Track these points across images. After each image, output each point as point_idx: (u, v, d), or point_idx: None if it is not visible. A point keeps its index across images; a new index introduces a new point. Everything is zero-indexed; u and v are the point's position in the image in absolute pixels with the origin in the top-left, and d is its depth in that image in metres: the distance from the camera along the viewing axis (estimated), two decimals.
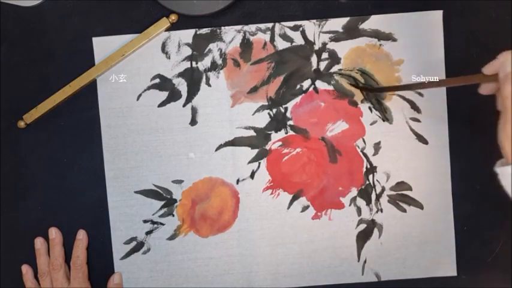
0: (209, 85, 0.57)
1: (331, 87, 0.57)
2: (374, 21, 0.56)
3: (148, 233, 0.57)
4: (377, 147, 0.57)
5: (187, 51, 0.57)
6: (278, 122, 0.57)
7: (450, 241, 0.57)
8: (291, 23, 0.57)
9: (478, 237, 0.57)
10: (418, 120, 0.57)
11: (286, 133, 0.57)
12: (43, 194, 0.57)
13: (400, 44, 0.57)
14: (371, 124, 0.57)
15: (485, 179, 0.56)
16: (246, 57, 0.57)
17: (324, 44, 0.57)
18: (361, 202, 0.57)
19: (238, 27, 0.57)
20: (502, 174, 0.42)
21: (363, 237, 0.57)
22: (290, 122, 0.57)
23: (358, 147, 0.57)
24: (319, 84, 0.57)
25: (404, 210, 0.57)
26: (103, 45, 0.56)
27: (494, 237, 0.57)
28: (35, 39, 0.57)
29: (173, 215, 0.57)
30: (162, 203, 0.57)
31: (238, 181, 0.57)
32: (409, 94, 0.57)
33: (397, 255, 0.57)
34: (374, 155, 0.57)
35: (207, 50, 0.57)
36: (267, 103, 0.57)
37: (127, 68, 0.57)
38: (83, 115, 0.57)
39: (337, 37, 0.57)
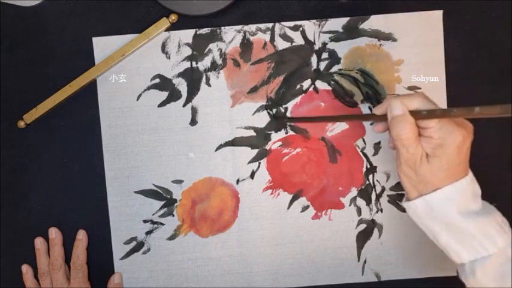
0: (209, 85, 0.57)
1: (330, 88, 0.57)
2: (374, 21, 0.56)
3: (148, 233, 0.57)
4: (377, 147, 0.57)
5: (187, 51, 0.57)
6: (279, 119, 0.57)
7: None
8: (291, 23, 0.57)
9: None
10: None
11: (286, 133, 0.57)
12: (43, 194, 0.57)
13: (400, 44, 0.57)
14: (371, 124, 0.57)
15: (484, 179, 0.56)
16: (246, 57, 0.57)
17: (324, 44, 0.57)
18: (361, 202, 0.57)
19: (238, 27, 0.57)
20: (407, 208, 0.45)
21: (363, 237, 0.57)
22: (290, 122, 0.57)
23: (358, 147, 0.57)
24: (319, 84, 0.57)
25: (404, 210, 0.57)
26: (103, 45, 0.56)
27: None
28: (35, 39, 0.57)
29: (173, 215, 0.57)
30: (162, 203, 0.57)
31: (238, 181, 0.57)
32: None
33: (397, 255, 0.57)
34: (374, 155, 0.57)
35: (207, 50, 0.57)
36: (267, 103, 0.57)
37: (127, 68, 0.57)
38: (83, 115, 0.57)
39: (337, 37, 0.57)
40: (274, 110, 0.57)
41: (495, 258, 0.41)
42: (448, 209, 0.42)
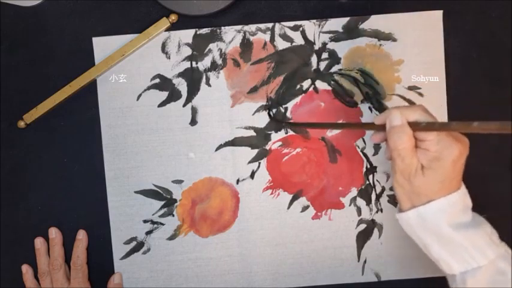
0: (209, 85, 0.57)
1: (330, 88, 0.57)
2: (374, 21, 0.56)
3: (148, 233, 0.57)
4: (377, 147, 0.57)
5: (187, 51, 0.57)
6: (278, 122, 0.57)
7: None
8: (291, 23, 0.57)
9: None
10: None
11: (286, 133, 0.57)
12: (43, 194, 0.57)
13: (400, 44, 0.57)
14: (368, 129, 0.57)
15: (484, 179, 0.56)
16: (246, 57, 0.57)
17: (324, 44, 0.57)
18: (361, 202, 0.57)
19: (238, 27, 0.57)
20: (400, 219, 0.46)
21: (363, 237, 0.57)
22: (288, 127, 0.57)
23: (358, 147, 0.57)
24: (319, 84, 0.57)
25: None
26: (103, 45, 0.56)
27: None
28: (35, 39, 0.57)
29: (173, 215, 0.57)
30: (162, 203, 0.57)
31: (238, 181, 0.57)
32: (409, 94, 0.57)
33: (397, 255, 0.57)
34: (374, 155, 0.57)
35: (207, 50, 0.57)
36: (267, 103, 0.57)
37: (127, 68, 0.57)
38: (83, 115, 0.57)
39: (337, 37, 0.57)
40: (274, 110, 0.57)
41: (485, 269, 0.42)
42: (440, 221, 0.43)
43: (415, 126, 0.42)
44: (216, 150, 0.57)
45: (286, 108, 0.57)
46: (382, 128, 0.44)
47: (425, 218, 0.43)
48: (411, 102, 0.57)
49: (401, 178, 0.43)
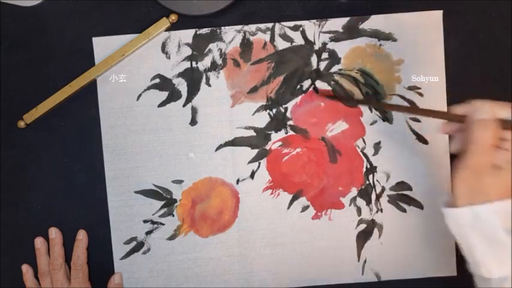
0: (209, 85, 0.57)
1: (330, 88, 0.57)
2: (374, 21, 0.56)
3: (148, 233, 0.57)
4: (377, 147, 0.57)
5: (187, 51, 0.57)
6: (278, 122, 0.57)
7: (450, 241, 0.57)
8: (291, 23, 0.57)
9: None
10: (418, 120, 0.57)
11: (286, 133, 0.57)
12: (43, 194, 0.57)
13: (400, 44, 0.57)
14: (371, 124, 0.57)
15: None
16: (246, 57, 0.57)
17: (324, 44, 0.57)
18: (361, 202, 0.57)
19: (238, 27, 0.57)
20: (449, 215, 0.44)
21: (363, 237, 0.57)
22: (290, 122, 0.57)
23: (358, 147, 0.57)
24: (319, 84, 0.57)
25: (404, 210, 0.57)
26: (103, 45, 0.56)
27: None
28: (35, 39, 0.57)
29: (173, 215, 0.57)
30: (162, 203, 0.57)
31: (238, 181, 0.57)
32: (409, 94, 0.57)
33: (397, 255, 0.57)
34: (374, 155, 0.57)
35: (207, 50, 0.57)
36: (267, 103, 0.57)
37: (127, 68, 0.57)
38: (83, 115, 0.57)
39: (337, 37, 0.57)
40: (274, 110, 0.57)
41: None
42: (494, 223, 0.41)
43: (503, 123, 0.40)
44: (216, 150, 0.57)
45: (286, 108, 0.57)
46: (459, 118, 0.42)
47: (479, 218, 0.41)
48: (411, 103, 0.57)
49: (468, 173, 0.42)
